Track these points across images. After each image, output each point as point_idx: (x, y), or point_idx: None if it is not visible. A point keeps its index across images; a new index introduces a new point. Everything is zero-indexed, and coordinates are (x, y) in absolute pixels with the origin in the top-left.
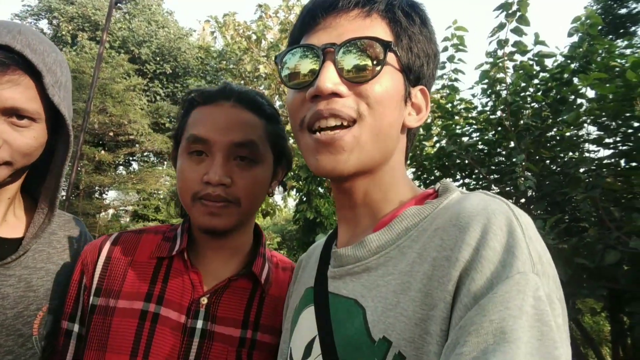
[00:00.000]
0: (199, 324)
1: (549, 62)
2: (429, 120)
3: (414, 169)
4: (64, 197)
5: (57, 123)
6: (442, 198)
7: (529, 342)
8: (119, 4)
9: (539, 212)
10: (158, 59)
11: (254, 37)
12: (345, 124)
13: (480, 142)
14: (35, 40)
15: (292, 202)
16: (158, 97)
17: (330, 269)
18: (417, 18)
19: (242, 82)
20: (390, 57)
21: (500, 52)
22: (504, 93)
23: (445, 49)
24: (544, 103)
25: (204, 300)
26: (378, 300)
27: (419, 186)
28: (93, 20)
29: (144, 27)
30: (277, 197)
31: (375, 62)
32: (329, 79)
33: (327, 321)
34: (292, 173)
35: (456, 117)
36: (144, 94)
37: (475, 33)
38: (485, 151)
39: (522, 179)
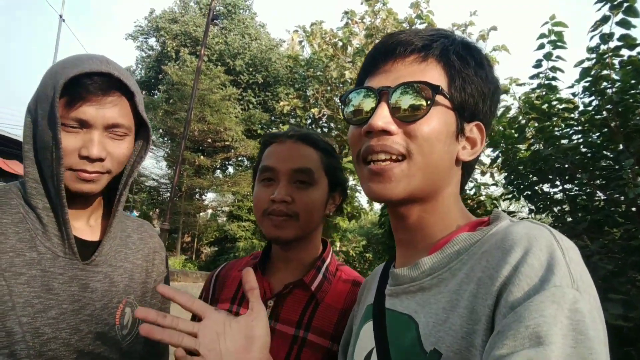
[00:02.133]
0: None
1: None
2: (523, 122)
3: (505, 174)
4: (169, 199)
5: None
6: (492, 225)
7: (563, 348)
8: (215, 21)
9: None
10: (251, 69)
11: (339, 43)
12: (394, 158)
13: (582, 145)
14: (120, 67)
15: (378, 206)
16: (251, 106)
17: (388, 287)
18: (471, 60)
19: (329, 87)
20: (440, 98)
21: (604, 47)
22: (609, 91)
23: (542, 46)
24: None
25: (271, 303)
26: (429, 316)
27: (513, 192)
28: (194, 36)
29: (238, 41)
30: (363, 199)
31: (424, 104)
32: (381, 118)
33: (384, 334)
34: None
35: (554, 119)
36: (238, 102)
37: (573, 28)
38: (589, 155)
39: (631, 185)
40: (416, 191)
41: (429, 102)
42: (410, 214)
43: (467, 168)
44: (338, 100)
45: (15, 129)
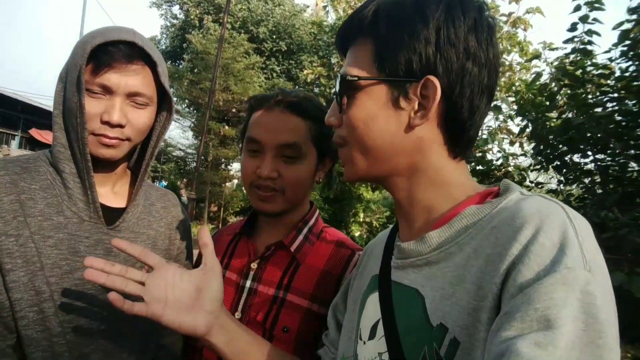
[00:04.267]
0: (248, 283)
1: None
2: (554, 89)
3: (534, 144)
4: (194, 169)
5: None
6: (502, 198)
7: (572, 331)
8: None
9: None
10: (274, 36)
11: None
12: (340, 145)
13: (617, 113)
14: (146, 39)
15: None
16: (274, 74)
17: (394, 259)
18: (382, 22)
19: None
20: (362, 81)
21: None
22: None
23: (578, 7)
24: None
25: (254, 265)
26: (436, 290)
27: (541, 162)
28: (217, 3)
29: (261, 7)
30: None
31: (342, 94)
32: (328, 114)
33: (390, 306)
34: None
35: (588, 85)
36: (262, 71)
37: None
38: (624, 123)
39: None
40: (371, 171)
41: (343, 92)
42: (395, 189)
43: (447, 126)
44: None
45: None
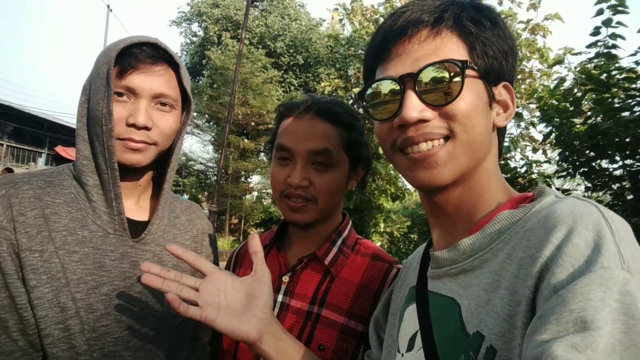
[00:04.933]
0: (280, 297)
1: None
2: (578, 94)
3: (559, 150)
4: (216, 182)
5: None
6: (535, 202)
7: (611, 334)
8: (255, 2)
9: None
10: (292, 51)
11: (381, 20)
12: (437, 143)
13: None
14: (167, 45)
15: None
16: (292, 87)
17: (430, 269)
18: (486, 21)
19: None
20: (468, 71)
21: None
22: None
23: (601, 11)
24: None
25: (286, 279)
26: (472, 298)
27: (568, 168)
28: (235, 20)
29: (278, 22)
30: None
31: (456, 81)
32: (414, 108)
33: (427, 317)
34: None
35: (613, 89)
36: (280, 85)
37: None
38: None
39: None
40: (463, 171)
41: (458, 79)
42: (452, 196)
43: (501, 133)
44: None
45: (74, 118)
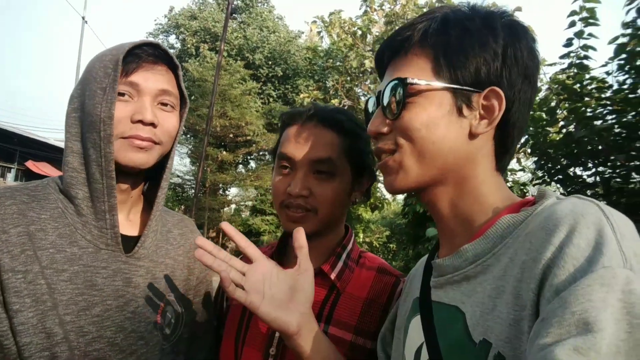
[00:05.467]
0: None
1: None
2: (552, 104)
3: (535, 158)
4: (193, 195)
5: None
6: (537, 205)
7: (615, 335)
8: (234, 15)
9: None
10: (270, 62)
11: (359, 32)
12: (386, 155)
13: (617, 125)
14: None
15: (401, 196)
16: (271, 99)
17: (432, 279)
18: (453, 31)
19: (349, 78)
20: (423, 85)
21: None
22: None
23: (573, 23)
24: None
25: None
26: (476, 305)
27: (543, 176)
28: (213, 32)
29: (256, 34)
30: (385, 190)
31: (398, 99)
32: (372, 123)
33: (432, 328)
34: None
35: (586, 99)
36: (258, 96)
37: (607, 3)
38: (624, 135)
39: None
40: (420, 178)
41: (400, 97)
42: (438, 200)
43: (500, 139)
44: (358, 91)
45: (45, 132)
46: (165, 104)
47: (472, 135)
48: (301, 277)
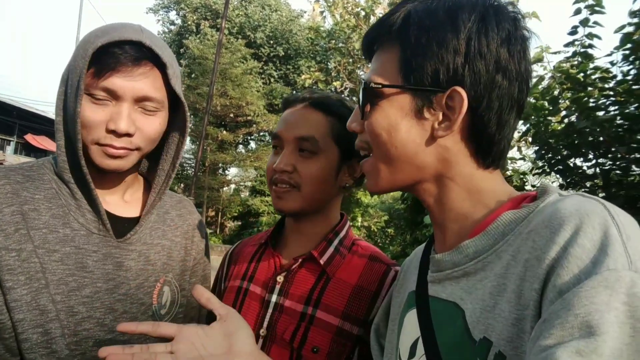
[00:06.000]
0: (274, 298)
1: None
2: (555, 93)
3: (536, 148)
4: (193, 174)
5: (172, 110)
6: (539, 201)
7: (618, 338)
8: None
9: None
10: (272, 42)
11: (362, 13)
12: (366, 154)
13: (619, 117)
14: (154, 37)
15: None
16: (272, 79)
17: (430, 273)
18: (412, 29)
19: (351, 60)
20: (380, 89)
21: None
22: None
23: (578, 11)
24: None
25: (280, 278)
26: (476, 302)
27: (543, 166)
28: (214, 9)
29: (258, 12)
30: None
31: (364, 102)
32: (350, 119)
33: (429, 323)
34: None
35: (589, 89)
36: (260, 76)
37: None
38: (625, 127)
39: None
40: (395, 181)
41: (366, 99)
42: (423, 196)
43: (474, 137)
44: (360, 73)
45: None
46: (147, 108)
47: (434, 138)
48: (228, 320)
